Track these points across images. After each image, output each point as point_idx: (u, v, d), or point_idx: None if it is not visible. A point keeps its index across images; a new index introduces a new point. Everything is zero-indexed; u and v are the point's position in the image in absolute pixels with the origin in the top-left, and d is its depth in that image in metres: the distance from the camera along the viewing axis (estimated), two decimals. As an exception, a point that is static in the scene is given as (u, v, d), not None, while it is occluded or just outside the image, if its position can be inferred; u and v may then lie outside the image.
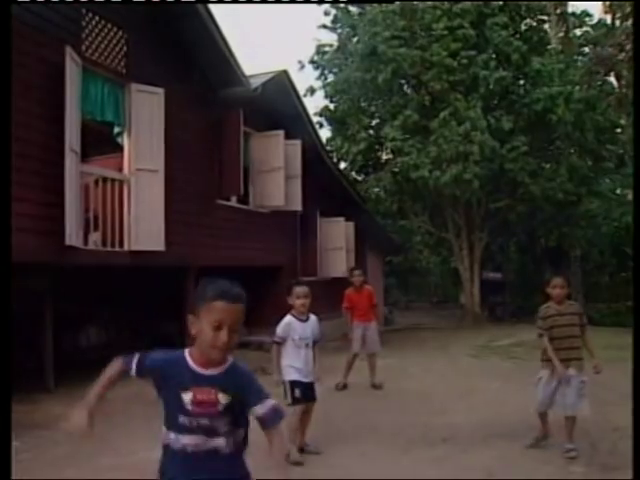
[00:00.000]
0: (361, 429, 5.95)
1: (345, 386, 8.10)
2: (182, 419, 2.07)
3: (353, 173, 20.58)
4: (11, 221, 3.87)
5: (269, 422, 2.08)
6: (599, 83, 18.34)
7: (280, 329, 5.09)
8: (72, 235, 7.10)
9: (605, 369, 9.47)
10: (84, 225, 7.92)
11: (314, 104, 21.84)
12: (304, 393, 4.98)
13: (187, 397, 2.06)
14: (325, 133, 21.05)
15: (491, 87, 15.72)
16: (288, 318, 5.12)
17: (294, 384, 4.94)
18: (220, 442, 2.07)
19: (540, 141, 17.49)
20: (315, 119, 20.25)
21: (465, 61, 15.46)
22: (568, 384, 5.16)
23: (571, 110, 15.90)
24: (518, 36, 18.20)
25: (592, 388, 7.94)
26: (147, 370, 2.17)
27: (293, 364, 4.98)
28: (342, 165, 20.26)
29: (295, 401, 4.93)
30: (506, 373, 9.35)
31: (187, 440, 2.07)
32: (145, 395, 8.01)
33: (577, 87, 16.25)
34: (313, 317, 5.23)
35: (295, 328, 5.05)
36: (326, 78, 19.00)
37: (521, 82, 17.61)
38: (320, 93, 19.38)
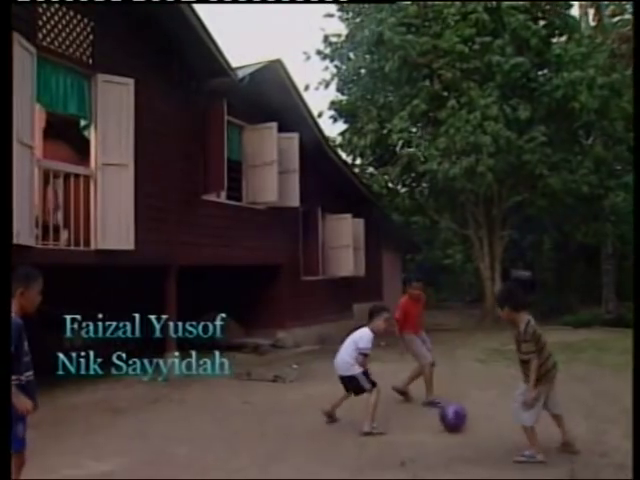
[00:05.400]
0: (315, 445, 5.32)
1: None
2: None
3: (371, 168, 19.86)
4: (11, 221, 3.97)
5: None
6: (625, 68, 17.07)
7: None
8: (21, 233, 6.69)
9: (614, 378, 8.74)
10: (45, 223, 7.54)
11: (330, 97, 21.16)
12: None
13: None
14: (341, 127, 20.45)
15: (508, 74, 14.74)
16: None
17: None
18: None
19: (562, 131, 16.38)
20: (330, 112, 19.72)
21: (478, 47, 14.54)
22: None
23: (595, 97, 14.82)
24: (543, 22, 17.16)
25: (594, 401, 7.21)
26: None
27: None
28: (359, 160, 19.58)
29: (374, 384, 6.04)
30: (508, 381, 8.49)
31: None
32: (109, 402, 7.68)
33: (600, 72, 15.07)
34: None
35: None
36: (339, 69, 18.33)
37: (544, 69, 16.56)
38: (334, 85, 18.76)
